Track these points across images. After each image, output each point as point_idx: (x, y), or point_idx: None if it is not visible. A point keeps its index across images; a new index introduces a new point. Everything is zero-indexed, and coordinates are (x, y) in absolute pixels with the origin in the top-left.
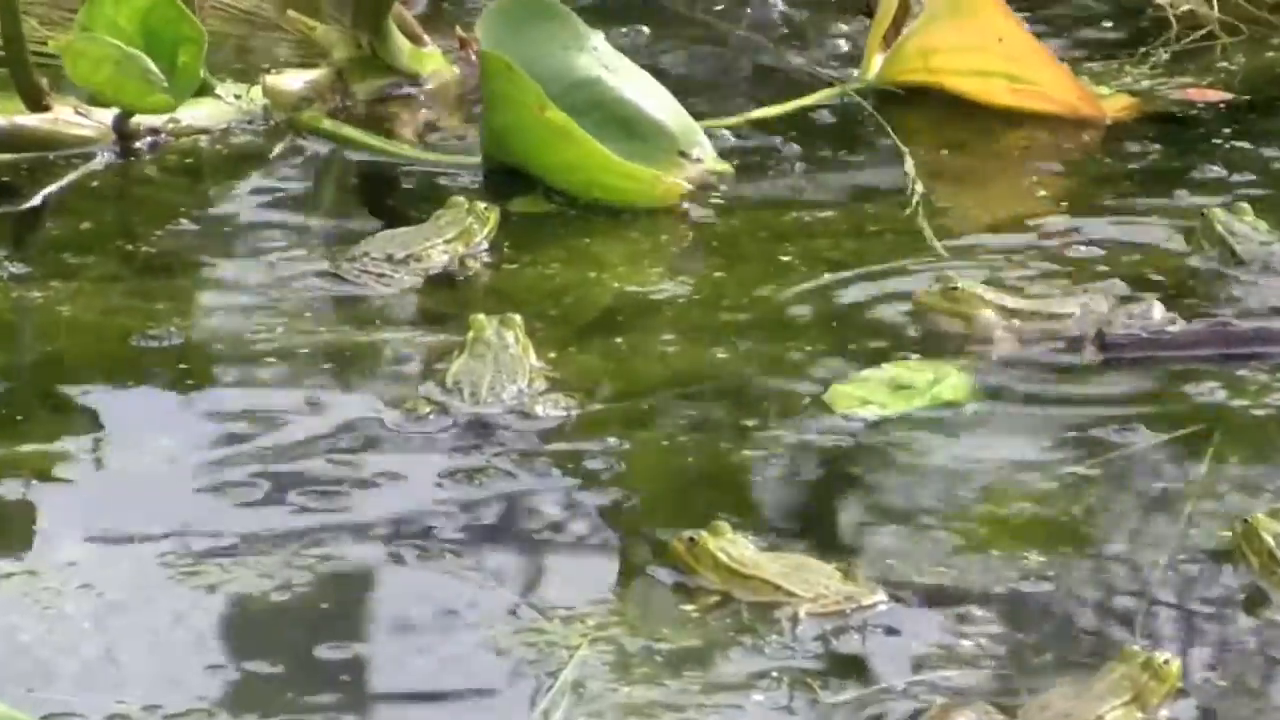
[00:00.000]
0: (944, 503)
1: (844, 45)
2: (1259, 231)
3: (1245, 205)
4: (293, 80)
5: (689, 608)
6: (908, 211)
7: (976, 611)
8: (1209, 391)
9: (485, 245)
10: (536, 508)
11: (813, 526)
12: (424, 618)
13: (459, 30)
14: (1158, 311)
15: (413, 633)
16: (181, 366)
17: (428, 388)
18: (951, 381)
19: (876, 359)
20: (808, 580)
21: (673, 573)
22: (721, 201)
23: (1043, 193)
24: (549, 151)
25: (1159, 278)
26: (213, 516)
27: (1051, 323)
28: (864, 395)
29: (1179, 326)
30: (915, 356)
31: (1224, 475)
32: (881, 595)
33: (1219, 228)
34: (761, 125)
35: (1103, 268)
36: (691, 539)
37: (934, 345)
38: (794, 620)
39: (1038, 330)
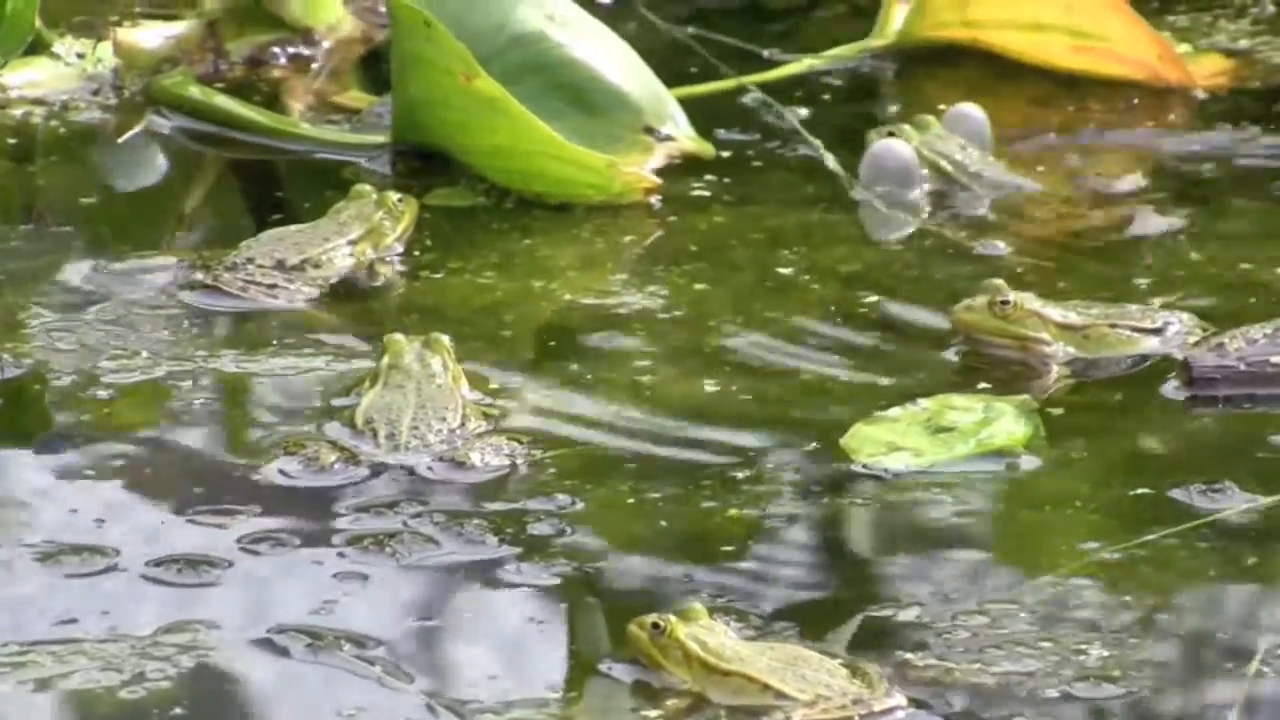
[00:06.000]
0: (984, 580)
1: None
2: None
3: None
4: (151, 36)
5: (652, 714)
6: (930, 213)
7: None
8: None
9: (400, 247)
10: (463, 584)
11: (814, 609)
12: None
13: None
14: None
15: None
16: (12, 404)
17: (332, 428)
18: (1005, 424)
19: (911, 393)
20: (805, 678)
21: (633, 668)
22: (705, 192)
23: (1113, 184)
24: (475, 131)
25: (1252, 299)
26: (44, 592)
27: (1131, 344)
28: (893, 439)
29: None
30: (981, 388)
31: None
32: (899, 698)
33: None
34: (746, 95)
35: (1188, 283)
36: (657, 625)
37: (980, 376)
38: None
39: (1112, 355)
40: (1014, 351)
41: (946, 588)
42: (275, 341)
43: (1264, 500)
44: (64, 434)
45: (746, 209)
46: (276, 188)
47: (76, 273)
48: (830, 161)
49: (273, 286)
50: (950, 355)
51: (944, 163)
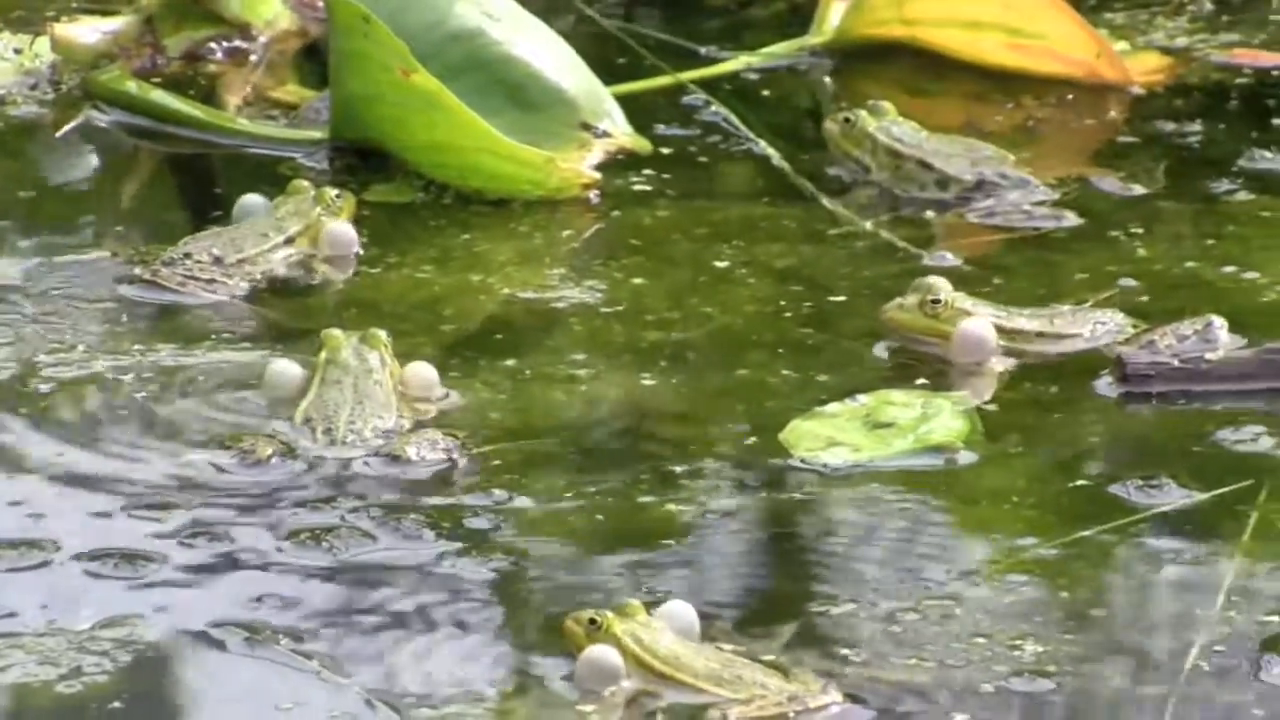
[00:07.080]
0: (920, 576)
1: None
2: None
3: None
4: (88, 31)
5: (587, 708)
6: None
7: (956, 717)
8: (1253, 438)
9: None
10: (399, 578)
11: (751, 605)
12: (249, 719)
13: None
14: (1221, 333)
15: None
16: None
17: (269, 423)
18: (943, 420)
19: (848, 389)
20: (740, 677)
21: (568, 662)
22: (646, 188)
23: (1050, 182)
24: (413, 127)
25: (1190, 298)
26: None
27: (1059, 344)
28: (832, 434)
29: (1220, 355)
30: (921, 384)
31: (1272, 544)
32: (834, 694)
33: None
34: (685, 92)
35: (1124, 282)
36: (593, 621)
37: (914, 373)
38: None
39: (1041, 354)
40: (946, 350)
41: (883, 583)
42: (213, 336)
43: (1200, 495)
44: (1, 428)
45: (689, 204)
46: (214, 183)
47: (13, 267)
48: (777, 159)
49: (210, 281)
50: (885, 352)
51: (900, 146)
